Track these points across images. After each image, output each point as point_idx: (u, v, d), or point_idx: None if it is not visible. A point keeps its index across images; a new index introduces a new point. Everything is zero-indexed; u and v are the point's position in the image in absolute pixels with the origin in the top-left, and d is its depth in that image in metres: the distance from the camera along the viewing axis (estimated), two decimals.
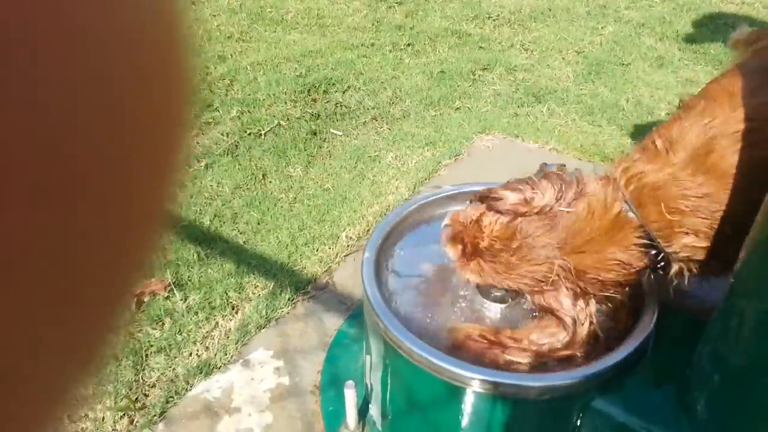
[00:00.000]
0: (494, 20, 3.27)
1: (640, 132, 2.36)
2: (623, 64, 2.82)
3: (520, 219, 1.06)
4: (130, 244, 0.16)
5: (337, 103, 2.59)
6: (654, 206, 1.07)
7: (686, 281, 1.16)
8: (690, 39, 2.98)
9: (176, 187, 0.17)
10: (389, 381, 1.23)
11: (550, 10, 3.34)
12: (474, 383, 1.07)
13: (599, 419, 1.08)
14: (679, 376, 1.11)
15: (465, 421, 1.13)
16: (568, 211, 1.05)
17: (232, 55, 2.87)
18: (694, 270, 1.16)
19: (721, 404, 0.95)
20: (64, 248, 0.14)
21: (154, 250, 0.17)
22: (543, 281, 1.05)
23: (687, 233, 1.07)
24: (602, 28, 3.15)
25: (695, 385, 1.02)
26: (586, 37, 3.06)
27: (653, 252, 1.07)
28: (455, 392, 1.10)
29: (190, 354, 1.52)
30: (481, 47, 3.02)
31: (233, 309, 1.65)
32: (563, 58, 2.92)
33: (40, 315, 0.13)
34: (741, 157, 1.06)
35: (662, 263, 1.08)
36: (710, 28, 3.07)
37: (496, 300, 1.25)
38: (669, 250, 1.08)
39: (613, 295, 1.07)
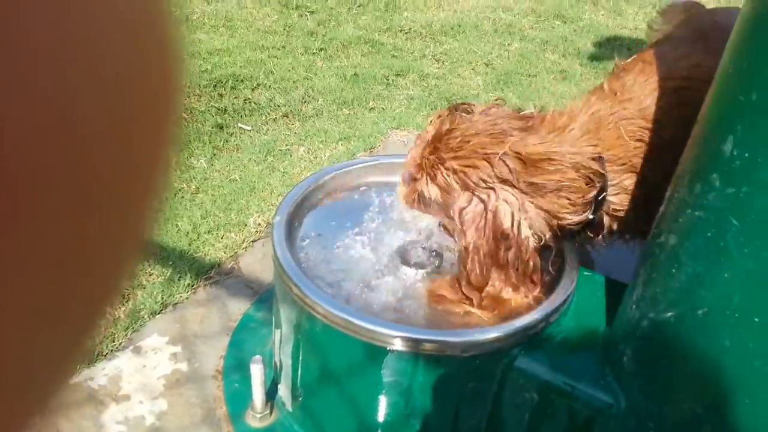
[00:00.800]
0: (406, 33, 3.30)
1: None
2: (530, 76, 2.91)
3: (487, 113, 1.06)
4: (130, 230, 0.17)
5: (246, 100, 2.49)
6: (614, 131, 1.05)
7: (602, 237, 1.15)
8: (590, 56, 3.14)
9: (169, 179, 0.17)
10: (302, 353, 1.12)
11: (459, 26, 3.42)
12: (395, 342, 0.98)
13: (523, 378, 1.03)
14: (603, 333, 1.08)
15: (384, 387, 1.04)
16: (531, 113, 1.04)
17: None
18: (614, 227, 1.15)
19: (648, 351, 0.92)
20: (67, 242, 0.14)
21: (146, 239, 0.18)
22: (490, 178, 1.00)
23: (633, 172, 1.06)
24: (508, 44, 3.26)
25: (621, 338, 0.99)
26: (494, 51, 3.15)
27: (595, 192, 1.04)
28: (375, 354, 1.01)
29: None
30: (394, 56, 3.03)
31: (123, 297, 1.48)
32: (473, 69, 2.98)
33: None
34: (671, 114, 1.07)
35: (595, 211, 1.05)
36: (608, 47, 3.25)
37: (417, 266, 1.19)
38: (611, 191, 1.06)
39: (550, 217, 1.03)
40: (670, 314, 0.87)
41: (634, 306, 0.96)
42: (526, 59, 3.07)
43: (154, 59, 0.15)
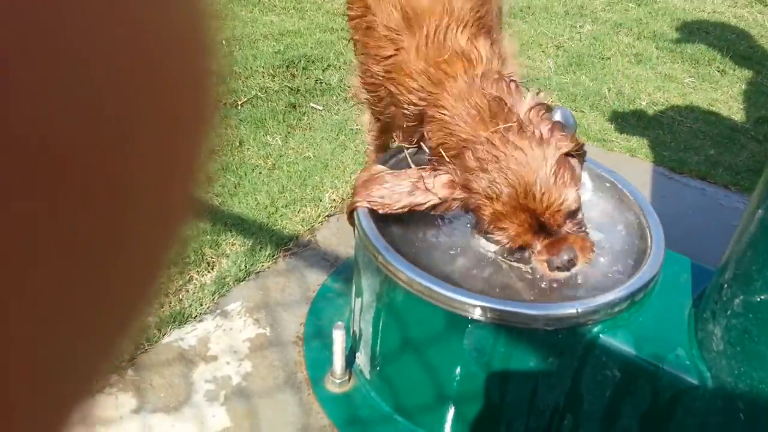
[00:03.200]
0: None
1: (622, 118, 2.37)
2: (603, 58, 2.84)
3: None
4: (173, 212, 0.17)
5: (317, 80, 2.53)
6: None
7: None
8: (666, 39, 3.03)
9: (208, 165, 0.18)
10: (382, 321, 1.16)
11: (528, 8, 3.37)
12: (477, 312, 1.00)
13: (606, 355, 1.03)
14: (689, 313, 1.07)
15: (464, 357, 1.06)
16: None
17: None
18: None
19: (741, 330, 0.91)
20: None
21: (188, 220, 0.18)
22: None
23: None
24: (580, 26, 3.18)
25: (710, 317, 0.98)
26: (566, 33, 3.09)
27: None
28: (456, 323, 1.03)
29: (161, 306, 1.41)
30: None
31: (209, 265, 1.55)
32: (543, 51, 2.93)
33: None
34: None
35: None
36: (685, 30, 3.13)
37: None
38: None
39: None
40: (766, 293, 0.86)
41: (725, 285, 0.94)
42: (599, 41, 3.00)
43: (193, 45, 0.16)
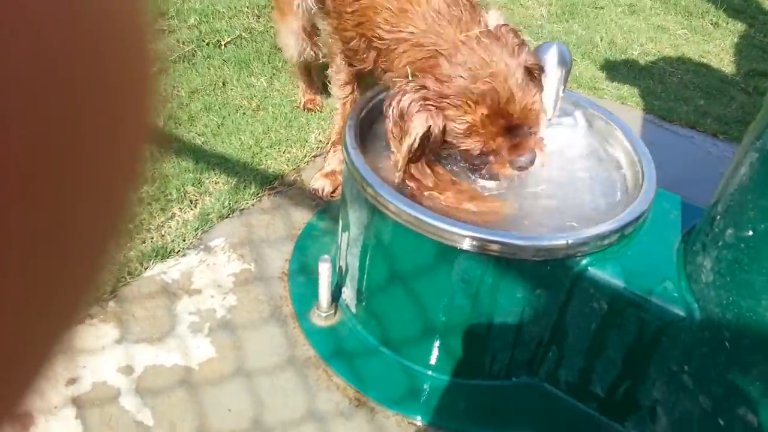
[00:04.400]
0: None
1: (614, 68, 2.34)
2: (596, 8, 2.79)
3: None
4: (124, 159, 0.17)
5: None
6: None
7: None
8: None
9: (157, 102, 0.18)
10: (369, 254, 1.14)
11: None
12: (466, 242, 0.99)
13: (593, 287, 1.02)
14: (678, 247, 1.06)
15: (451, 288, 1.05)
16: None
17: None
18: None
19: (731, 261, 0.90)
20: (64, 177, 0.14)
21: (143, 162, 0.18)
22: None
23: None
24: None
25: (700, 249, 0.97)
26: None
27: None
28: (444, 254, 1.02)
29: (143, 241, 1.38)
30: None
31: (191, 202, 1.52)
32: (536, 0, 2.87)
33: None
34: None
35: None
36: None
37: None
38: None
39: None
40: (761, 223, 0.85)
41: (717, 217, 0.93)
42: None
43: (129, 37, 0.16)
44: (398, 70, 1.13)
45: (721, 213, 0.93)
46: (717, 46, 2.59)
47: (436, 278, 1.06)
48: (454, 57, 1.04)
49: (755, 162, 0.87)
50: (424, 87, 1.05)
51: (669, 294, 0.99)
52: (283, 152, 1.73)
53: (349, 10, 1.22)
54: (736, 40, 2.66)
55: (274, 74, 2.12)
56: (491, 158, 1.09)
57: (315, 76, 1.94)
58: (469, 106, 1.03)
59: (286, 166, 1.66)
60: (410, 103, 1.06)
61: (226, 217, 1.45)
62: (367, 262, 1.15)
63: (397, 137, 1.08)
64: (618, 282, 1.01)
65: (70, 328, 0.17)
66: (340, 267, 1.26)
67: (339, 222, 1.24)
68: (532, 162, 1.10)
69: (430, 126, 1.05)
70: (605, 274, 1.01)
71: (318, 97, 1.94)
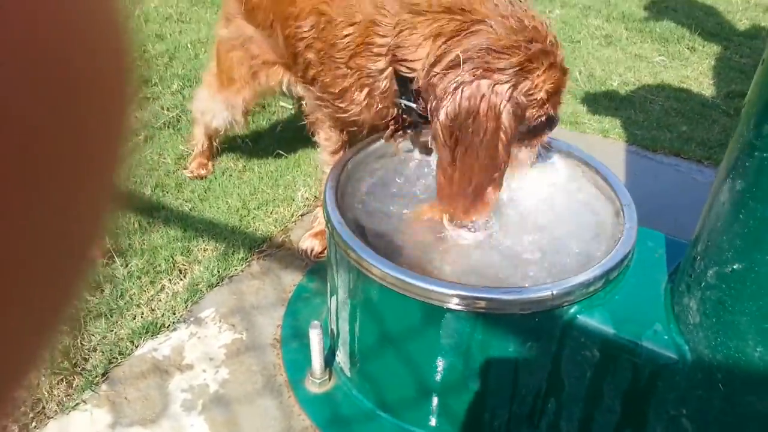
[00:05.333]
0: None
1: (594, 100, 2.37)
2: (573, 41, 2.84)
3: None
4: (85, 211, 0.17)
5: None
6: None
7: None
8: (635, 19, 3.04)
9: (125, 157, 0.18)
10: (359, 317, 1.13)
11: None
12: (452, 301, 0.98)
13: (584, 335, 1.01)
14: (665, 288, 1.06)
15: (442, 348, 1.04)
16: None
17: (170, 35, 2.74)
18: None
19: (715, 302, 0.90)
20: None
21: (107, 218, 0.18)
22: None
23: None
24: (549, 11, 3.18)
25: (685, 290, 0.97)
26: None
27: None
28: (432, 314, 1.01)
29: (134, 317, 1.38)
30: None
31: (180, 272, 1.52)
32: None
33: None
34: None
35: None
36: (653, 10, 3.14)
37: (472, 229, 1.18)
38: None
39: None
40: (737, 263, 0.84)
41: (698, 257, 0.93)
42: (568, 25, 3.00)
43: (99, 38, 0.17)
44: (421, 51, 0.98)
45: (700, 253, 0.93)
46: (695, 71, 2.63)
47: (426, 338, 1.05)
48: (493, 21, 0.91)
49: (726, 202, 0.87)
50: (485, 63, 0.90)
51: (659, 337, 0.98)
52: (271, 213, 1.74)
53: (341, 46, 1.11)
54: (713, 62, 2.70)
55: (258, 133, 2.15)
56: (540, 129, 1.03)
57: (215, 140, 1.91)
58: (545, 71, 0.93)
59: (273, 228, 1.67)
60: (474, 99, 0.91)
61: (216, 286, 1.45)
62: (357, 325, 1.14)
63: (453, 148, 0.95)
64: (607, 328, 1.00)
65: (56, 325, 0.17)
66: (332, 330, 1.25)
67: (327, 284, 1.23)
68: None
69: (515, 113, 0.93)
70: (594, 321, 1.01)
71: (210, 163, 1.91)
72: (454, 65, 0.94)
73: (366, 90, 1.13)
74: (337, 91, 1.18)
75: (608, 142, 2.11)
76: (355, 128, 1.28)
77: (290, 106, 2.32)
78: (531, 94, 0.96)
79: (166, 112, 2.24)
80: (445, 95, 0.93)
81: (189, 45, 2.66)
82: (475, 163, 0.98)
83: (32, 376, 0.17)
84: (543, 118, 1.01)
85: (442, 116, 0.94)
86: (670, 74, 2.59)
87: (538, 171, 1.27)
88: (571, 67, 2.56)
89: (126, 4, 0.18)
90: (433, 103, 0.95)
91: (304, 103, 1.56)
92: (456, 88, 0.93)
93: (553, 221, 1.19)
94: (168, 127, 2.16)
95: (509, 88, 0.93)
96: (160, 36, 2.73)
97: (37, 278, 0.16)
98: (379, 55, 1.08)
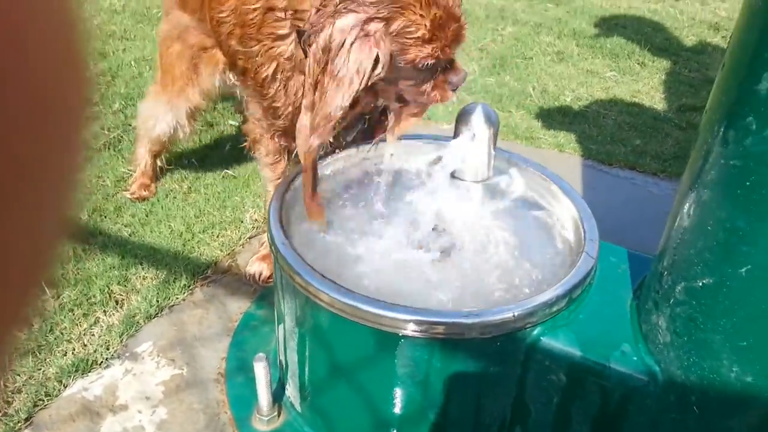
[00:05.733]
0: None
1: (549, 116, 2.35)
2: (526, 58, 2.84)
3: None
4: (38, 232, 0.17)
5: (235, 97, 2.41)
6: None
7: None
8: (586, 36, 3.06)
9: (78, 179, 0.18)
10: (308, 347, 1.04)
11: None
12: (408, 327, 0.91)
13: (549, 358, 0.95)
14: (631, 305, 1.00)
15: (398, 378, 0.96)
16: None
17: (113, 53, 2.62)
18: None
19: (685, 319, 0.84)
20: None
21: (57, 244, 0.18)
22: None
23: None
24: (502, 29, 3.19)
25: (652, 308, 0.92)
26: (488, 36, 3.08)
27: None
28: (386, 342, 0.93)
29: (64, 353, 1.26)
30: None
31: (117, 303, 1.40)
32: (467, 55, 2.90)
33: None
34: None
35: None
36: (603, 27, 3.18)
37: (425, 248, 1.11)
38: None
39: None
40: (707, 277, 0.79)
41: (665, 273, 0.88)
42: (520, 42, 3.00)
43: (64, 49, 0.17)
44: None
45: (667, 268, 0.88)
46: (646, 85, 2.65)
47: (381, 368, 0.97)
48: None
49: (692, 213, 0.82)
50: (353, 2, 0.91)
51: (628, 358, 0.92)
52: (217, 236, 1.63)
53: (250, 19, 1.09)
54: (663, 77, 2.73)
55: (206, 153, 2.05)
56: (435, 76, 1.01)
57: (160, 158, 1.82)
58: (422, 8, 0.92)
59: (220, 252, 1.57)
60: (342, 32, 0.91)
61: (155, 317, 1.34)
62: (307, 356, 1.05)
63: (317, 87, 0.94)
64: (573, 350, 0.94)
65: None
66: (280, 361, 1.16)
67: (275, 312, 1.14)
68: (463, 81, 1.05)
69: (377, 58, 0.92)
70: (559, 343, 0.94)
71: (153, 184, 1.81)
72: (333, 5, 0.94)
73: (274, 64, 1.11)
74: (260, 78, 1.14)
75: (564, 157, 2.09)
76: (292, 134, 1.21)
77: (238, 124, 2.23)
78: (408, 32, 0.94)
79: (106, 132, 2.12)
80: (319, 30, 0.93)
81: (133, 63, 2.55)
82: (334, 95, 0.95)
83: None
84: (431, 61, 0.98)
85: (313, 48, 0.94)
86: (621, 89, 2.60)
87: (494, 185, 1.22)
88: (524, 84, 2.57)
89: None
90: (310, 39, 0.96)
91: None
92: (327, 21, 0.93)
93: (510, 237, 1.13)
94: (108, 148, 2.04)
95: (380, 21, 0.93)
96: (102, 54, 2.61)
97: None
98: (280, 20, 1.06)
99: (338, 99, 0.94)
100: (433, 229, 1.12)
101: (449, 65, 1.05)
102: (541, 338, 0.95)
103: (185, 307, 1.37)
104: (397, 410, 1.01)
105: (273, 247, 1.03)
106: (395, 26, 0.93)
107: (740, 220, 0.73)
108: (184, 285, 1.42)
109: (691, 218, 0.83)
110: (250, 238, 1.61)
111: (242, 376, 1.20)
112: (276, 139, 1.31)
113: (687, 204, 0.84)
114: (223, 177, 1.90)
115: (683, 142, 2.23)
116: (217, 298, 1.40)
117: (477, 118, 1.14)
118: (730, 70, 0.76)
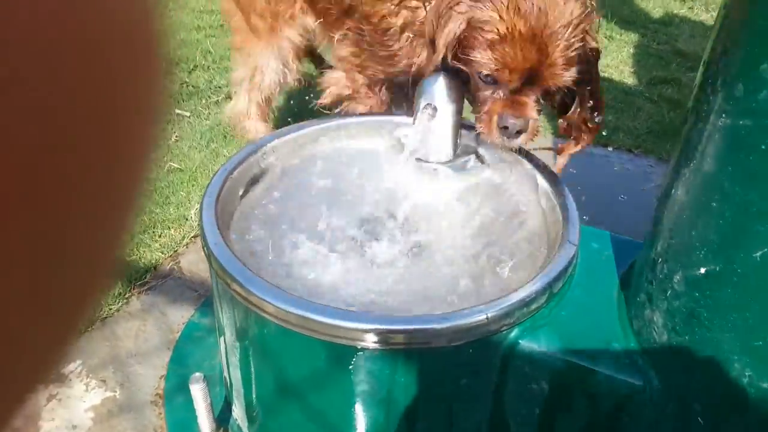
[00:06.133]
0: None
1: None
2: None
3: None
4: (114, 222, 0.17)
5: (182, 83, 2.24)
6: None
7: None
8: None
9: (150, 169, 0.17)
10: (253, 364, 0.90)
11: None
12: (366, 338, 0.77)
13: (529, 364, 0.82)
14: (618, 299, 0.88)
15: (358, 395, 0.82)
16: None
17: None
18: None
19: (686, 314, 0.72)
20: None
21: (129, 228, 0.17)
22: None
23: None
24: None
25: (645, 302, 0.79)
26: None
27: None
28: (341, 355, 0.79)
29: None
30: None
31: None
32: None
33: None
34: None
35: None
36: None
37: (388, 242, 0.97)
38: None
39: None
40: (712, 264, 0.67)
41: (659, 260, 0.76)
42: None
43: (143, 54, 0.16)
44: None
45: (661, 254, 0.76)
46: (615, 59, 2.55)
47: (337, 386, 0.83)
48: None
49: (692, 187, 0.70)
50: None
51: (619, 360, 0.80)
52: (159, 236, 1.47)
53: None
54: (632, 50, 2.63)
55: None
56: (492, 94, 0.93)
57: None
58: (507, 11, 0.88)
59: (161, 254, 1.41)
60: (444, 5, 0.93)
61: (84, 332, 1.18)
62: (252, 373, 0.91)
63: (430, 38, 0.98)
64: (556, 354, 0.81)
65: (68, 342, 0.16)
66: (225, 379, 1.01)
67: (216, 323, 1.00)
68: (520, 131, 0.95)
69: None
70: (539, 346, 0.82)
71: None
72: None
73: (407, 14, 1.07)
74: (377, 20, 1.10)
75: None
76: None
77: (187, 114, 2.07)
78: (481, 27, 0.91)
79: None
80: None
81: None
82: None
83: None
84: (484, 72, 0.93)
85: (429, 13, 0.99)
86: None
87: (459, 165, 1.09)
88: None
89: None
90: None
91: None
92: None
93: (477, 223, 1.00)
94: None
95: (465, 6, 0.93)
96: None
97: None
98: None
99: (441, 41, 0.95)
100: (390, 218, 0.98)
101: (515, 100, 0.94)
102: (520, 341, 0.82)
103: (119, 319, 1.21)
104: (358, 431, 0.88)
105: (205, 248, 0.88)
106: (475, 15, 0.91)
107: (752, 193, 0.61)
108: (119, 294, 1.26)
109: (689, 194, 0.71)
110: (194, 236, 1.46)
111: (183, 396, 1.05)
112: (378, 93, 1.28)
113: (682, 178, 0.72)
114: (167, 171, 1.74)
115: (656, 116, 2.13)
116: (156, 307, 1.24)
117: (439, 90, 1.00)
118: (734, 9, 0.64)
